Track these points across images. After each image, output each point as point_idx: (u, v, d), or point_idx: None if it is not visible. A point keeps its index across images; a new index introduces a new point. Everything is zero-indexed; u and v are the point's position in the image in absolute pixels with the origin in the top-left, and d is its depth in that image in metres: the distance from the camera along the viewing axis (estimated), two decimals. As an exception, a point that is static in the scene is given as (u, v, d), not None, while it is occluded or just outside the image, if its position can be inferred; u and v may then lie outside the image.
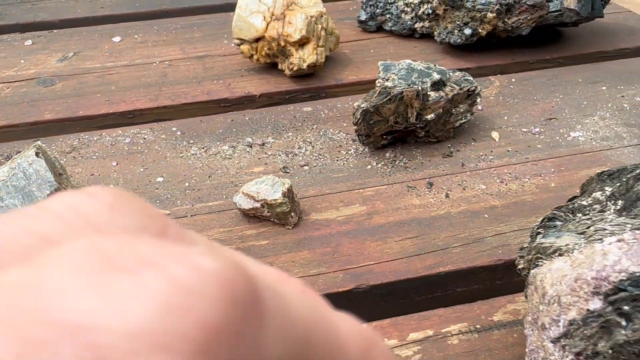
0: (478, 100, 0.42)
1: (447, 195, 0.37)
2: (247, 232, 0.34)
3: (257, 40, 0.50)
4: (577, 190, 0.28)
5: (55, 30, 0.62)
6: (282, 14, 0.50)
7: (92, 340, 0.07)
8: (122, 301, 0.08)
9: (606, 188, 0.24)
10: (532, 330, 0.22)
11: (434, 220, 0.35)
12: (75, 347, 0.07)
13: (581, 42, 0.57)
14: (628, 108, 0.46)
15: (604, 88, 0.48)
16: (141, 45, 0.59)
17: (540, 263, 0.23)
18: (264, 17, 0.50)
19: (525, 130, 0.43)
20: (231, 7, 0.52)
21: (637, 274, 0.19)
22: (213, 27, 0.62)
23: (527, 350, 0.22)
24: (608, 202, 0.23)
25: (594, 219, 0.23)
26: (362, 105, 0.39)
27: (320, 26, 0.50)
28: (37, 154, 0.35)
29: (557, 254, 0.23)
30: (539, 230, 0.25)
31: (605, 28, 0.59)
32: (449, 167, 0.40)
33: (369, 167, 0.40)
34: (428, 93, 0.39)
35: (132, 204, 0.10)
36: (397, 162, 0.40)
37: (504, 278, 0.32)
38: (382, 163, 0.40)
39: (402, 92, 0.39)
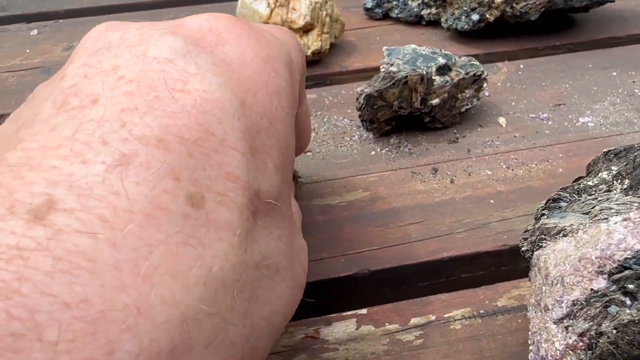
0: (484, 85, 0.41)
1: (452, 181, 0.36)
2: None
3: (261, 27, 0.50)
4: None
5: (61, 20, 0.62)
6: (287, 0, 0.49)
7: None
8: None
9: (612, 167, 0.23)
10: (535, 312, 0.21)
11: (437, 206, 0.34)
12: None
13: (592, 28, 0.56)
14: (639, 93, 0.44)
15: (615, 74, 0.47)
16: (146, 34, 0.58)
17: (543, 244, 0.23)
18: (268, 4, 0.49)
19: (533, 116, 0.42)
20: (235, -5, 0.51)
21: (643, 252, 0.18)
22: (218, 15, 0.62)
23: (530, 332, 0.22)
24: (614, 182, 0.23)
25: (599, 198, 0.22)
26: (366, 90, 0.39)
27: (325, 12, 0.50)
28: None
29: (561, 235, 0.22)
30: (543, 211, 0.24)
31: (616, 14, 0.58)
32: (454, 152, 0.39)
33: (373, 153, 0.39)
34: (433, 77, 0.39)
35: None
36: (401, 148, 0.40)
37: (510, 264, 0.32)
38: (387, 149, 0.40)
39: (407, 76, 0.38)
